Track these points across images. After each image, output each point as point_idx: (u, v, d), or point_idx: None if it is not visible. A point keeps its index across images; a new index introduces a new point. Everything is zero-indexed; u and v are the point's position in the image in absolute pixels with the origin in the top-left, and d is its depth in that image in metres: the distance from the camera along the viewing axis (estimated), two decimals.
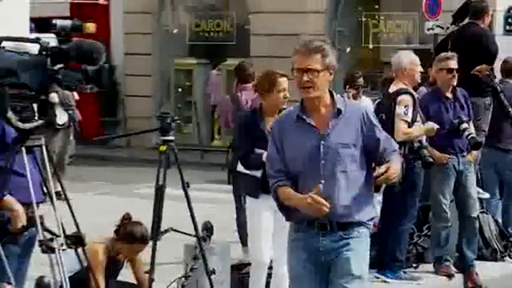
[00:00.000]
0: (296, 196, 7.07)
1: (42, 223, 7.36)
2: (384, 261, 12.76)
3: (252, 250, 10.18)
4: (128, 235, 9.62)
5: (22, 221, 7.22)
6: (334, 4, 27.86)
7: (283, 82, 10.09)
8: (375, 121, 7.44)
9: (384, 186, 12.46)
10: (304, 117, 7.20)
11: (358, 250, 7.33)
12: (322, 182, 6.98)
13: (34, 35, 7.34)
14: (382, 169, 6.99)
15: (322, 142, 7.12)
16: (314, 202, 6.86)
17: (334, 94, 7.37)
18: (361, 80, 16.63)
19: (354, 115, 7.33)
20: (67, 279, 7.29)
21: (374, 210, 7.55)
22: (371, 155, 7.29)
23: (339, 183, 7.13)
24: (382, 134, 7.39)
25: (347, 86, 16.93)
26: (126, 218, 9.76)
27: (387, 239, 12.77)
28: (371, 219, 7.44)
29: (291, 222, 7.42)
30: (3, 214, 7.79)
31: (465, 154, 13.02)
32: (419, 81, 12.89)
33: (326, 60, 7.17)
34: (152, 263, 9.48)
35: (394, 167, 7.03)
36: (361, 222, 7.28)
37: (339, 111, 7.22)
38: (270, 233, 9.92)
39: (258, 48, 27.00)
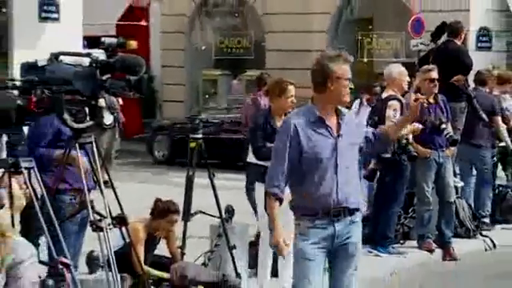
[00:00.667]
0: (277, 226, 7.09)
1: (92, 206, 7.37)
2: (376, 238, 12.78)
3: (262, 227, 10.21)
4: (162, 211, 9.63)
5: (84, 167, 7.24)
6: (335, 25, 27.83)
7: (292, 89, 10.10)
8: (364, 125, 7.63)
9: (378, 175, 12.64)
10: (324, 118, 7.09)
11: (359, 234, 7.37)
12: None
13: (86, 51, 7.35)
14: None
15: (337, 143, 7.06)
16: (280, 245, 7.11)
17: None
18: (377, 89, 16.58)
19: (351, 119, 7.46)
20: (113, 253, 7.30)
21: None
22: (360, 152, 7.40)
23: (348, 176, 7.12)
24: (364, 127, 7.67)
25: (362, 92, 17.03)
26: (158, 200, 9.78)
27: (379, 220, 12.81)
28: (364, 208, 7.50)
29: (302, 210, 7.25)
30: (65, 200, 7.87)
31: (444, 149, 13.04)
32: (406, 88, 12.88)
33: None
34: (183, 240, 9.51)
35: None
36: (359, 208, 7.32)
37: (344, 115, 7.21)
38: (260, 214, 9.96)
39: (272, 61, 26.96)
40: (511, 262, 13.23)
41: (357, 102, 17.05)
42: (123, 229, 7.72)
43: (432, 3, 24.45)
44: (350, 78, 7.08)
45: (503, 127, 14.87)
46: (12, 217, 6.21)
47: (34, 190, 6.30)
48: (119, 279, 7.58)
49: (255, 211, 10.66)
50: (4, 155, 6.32)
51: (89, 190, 7.51)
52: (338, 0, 27.88)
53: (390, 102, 12.31)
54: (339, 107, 7.22)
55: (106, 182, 7.76)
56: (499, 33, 25.94)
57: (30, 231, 6.52)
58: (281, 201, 7.09)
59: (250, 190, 11.25)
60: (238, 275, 9.50)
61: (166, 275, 9.40)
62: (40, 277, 5.02)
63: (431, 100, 12.90)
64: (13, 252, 4.97)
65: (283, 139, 7.21)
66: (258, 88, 15.88)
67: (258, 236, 10.61)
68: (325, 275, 7.31)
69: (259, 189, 9.99)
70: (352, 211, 7.16)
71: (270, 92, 10.51)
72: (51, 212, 6.44)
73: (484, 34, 25.62)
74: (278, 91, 10.15)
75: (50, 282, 6.26)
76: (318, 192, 7.10)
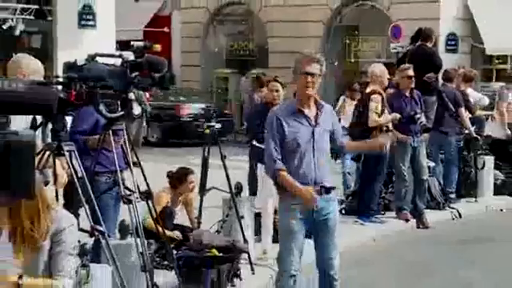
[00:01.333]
0: (296, 186, 7.03)
1: (123, 183, 7.38)
2: (361, 210, 12.80)
3: (262, 202, 10.25)
4: (179, 176, 9.75)
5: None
6: (327, 31, 27.80)
7: (275, 84, 10.26)
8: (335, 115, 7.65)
9: (362, 157, 12.63)
10: (302, 110, 7.15)
11: (336, 208, 7.49)
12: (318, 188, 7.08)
13: (118, 53, 7.32)
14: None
15: (314, 130, 7.11)
16: (311, 196, 6.98)
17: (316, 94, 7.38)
18: (356, 85, 16.50)
19: (328, 110, 7.39)
20: (141, 222, 7.30)
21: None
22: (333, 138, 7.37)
23: (323, 159, 7.19)
24: (338, 126, 7.65)
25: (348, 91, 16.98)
26: (170, 172, 9.84)
27: (364, 195, 12.83)
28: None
29: (283, 187, 7.29)
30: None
31: (418, 135, 13.05)
32: (387, 84, 12.86)
33: (323, 68, 7.22)
34: (200, 211, 9.50)
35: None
36: (334, 186, 7.38)
37: (322, 105, 7.24)
38: (272, 187, 9.93)
39: (274, 62, 26.94)
40: (474, 229, 13.37)
41: (342, 97, 17.04)
42: (149, 202, 7.72)
43: (408, 13, 24.37)
44: (315, 74, 7.09)
45: (466, 117, 14.89)
46: (56, 192, 6.19)
47: (74, 169, 6.29)
48: (146, 244, 7.58)
49: (250, 186, 10.74)
50: (49, 140, 6.30)
51: (121, 171, 7.56)
52: (329, 10, 27.83)
53: (373, 96, 12.31)
54: (318, 100, 7.27)
55: (134, 163, 7.77)
56: (464, 37, 25.92)
57: (71, 204, 6.50)
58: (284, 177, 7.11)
59: (252, 169, 11.29)
60: (245, 241, 9.49)
61: (176, 233, 9.45)
62: (79, 241, 5.01)
63: (407, 94, 12.95)
64: (56, 222, 4.95)
65: (268, 129, 7.29)
66: (255, 86, 16.07)
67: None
68: (305, 244, 7.30)
69: (260, 167, 10.07)
70: (328, 190, 7.19)
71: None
72: (89, 188, 6.44)
73: (451, 39, 25.61)
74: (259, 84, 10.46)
75: (88, 245, 6.27)
76: (299, 172, 7.12)
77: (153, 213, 7.83)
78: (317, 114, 7.17)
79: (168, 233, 9.06)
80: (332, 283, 7.31)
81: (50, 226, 4.87)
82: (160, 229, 8.23)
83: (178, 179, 9.76)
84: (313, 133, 7.10)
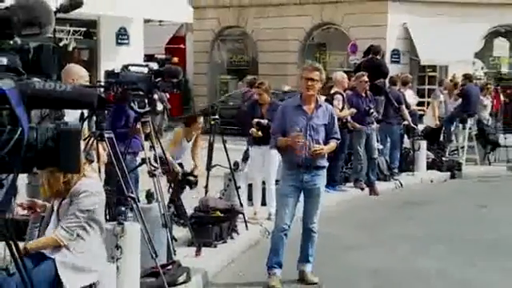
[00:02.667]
0: (287, 139, 7.12)
1: (149, 161, 7.35)
2: (328, 181, 12.76)
3: (253, 176, 10.30)
4: (193, 117, 9.71)
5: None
6: (303, 47, 27.77)
7: (259, 90, 10.20)
8: (335, 116, 7.48)
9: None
10: (301, 106, 7.19)
11: (323, 181, 7.44)
12: (298, 130, 7.08)
13: (145, 63, 7.30)
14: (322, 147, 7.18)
15: (309, 122, 7.13)
16: (293, 139, 7.04)
17: (319, 96, 7.48)
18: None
19: (326, 109, 7.33)
20: (162, 191, 7.28)
21: (325, 159, 7.42)
22: (327, 132, 7.27)
23: (315, 143, 7.11)
24: (335, 124, 7.43)
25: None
26: (182, 118, 9.93)
27: (330, 170, 12.78)
28: (326, 165, 7.43)
29: (285, 164, 7.40)
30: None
31: (371, 125, 13.02)
32: (346, 87, 12.83)
33: (322, 76, 7.33)
34: (207, 183, 9.43)
35: (327, 147, 7.27)
36: (323, 165, 7.33)
37: (320, 105, 7.25)
38: (259, 165, 10.02)
39: (263, 70, 26.88)
40: (411, 196, 13.38)
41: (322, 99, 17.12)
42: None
43: (362, 34, 24.34)
44: (314, 79, 7.12)
45: (406, 111, 14.89)
46: (99, 168, 6.16)
47: (112, 151, 6.25)
48: (166, 207, 7.55)
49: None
50: (94, 129, 6.26)
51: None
52: (304, 32, 27.77)
53: (336, 96, 12.27)
54: (319, 100, 7.35)
55: (160, 147, 7.75)
56: (405, 52, 25.92)
57: (110, 178, 6.47)
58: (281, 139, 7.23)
59: (247, 151, 11.27)
60: (241, 205, 9.47)
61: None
62: (91, 209, 4.91)
63: (363, 94, 12.92)
64: (80, 185, 4.90)
65: (276, 116, 7.51)
66: (249, 87, 16.17)
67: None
68: (295, 206, 7.31)
69: (251, 150, 10.32)
70: (317, 167, 7.19)
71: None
72: (124, 166, 6.39)
73: (395, 54, 25.61)
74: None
75: (122, 208, 6.22)
76: (293, 152, 7.13)
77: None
78: (313, 110, 7.17)
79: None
80: (311, 234, 7.34)
81: (76, 185, 4.84)
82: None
83: (191, 119, 9.71)
84: (307, 123, 7.09)
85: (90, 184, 4.94)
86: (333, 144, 7.36)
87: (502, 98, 20.03)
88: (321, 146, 7.12)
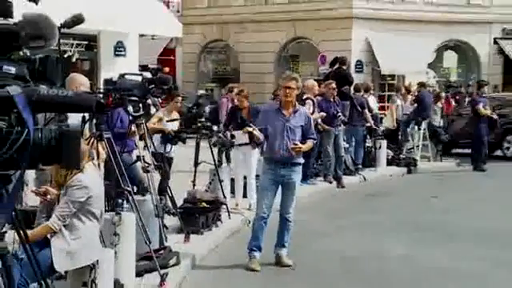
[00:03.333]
0: (256, 133, 7.23)
1: (143, 159, 7.31)
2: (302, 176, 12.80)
3: (235, 171, 10.32)
4: (172, 96, 9.67)
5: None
6: (278, 58, 27.81)
7: (240, 98, 10.35)
8: (310, 119, 7.53)
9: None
10: (280, 110, 7.22)
11: (298, 176, 7.42)
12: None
13: (139, 72, 7.28)
14: (300, 145, 7.19)
15: (287, 124, 7.15)
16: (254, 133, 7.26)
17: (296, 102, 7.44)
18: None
19: (302, 113, 7.35)
20: (154, 185, 7.24)
21: (301, 157, 7.43)
22: (304, 133, 7.26)
23: (291, 143, 7.12)
24: (311, 126, 7.45)
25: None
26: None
27: (303, 166, 12.76)
28: (302, 162, 7.44)
29: (266, 160, 7.39)
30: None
31: (338, 127, 13.04)
32: (316, 93, 12.82)
33: (299, 84, 7.38)
34: (194, 178, 9.40)
35: (305, 146, 7.27)
36: (299, 162, 7.33)
37: (297, 110, 7.27)
38: (240, 161, 10.10)
39: (243, 79, 26.78)
40: (373, 188, 13.40)
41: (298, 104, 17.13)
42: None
43: (330, 47, 24.36)
44: (291, 88, 7.16)
45: (368, 115, 14.94)
46: (98, 165, 6.11)
47: (110, 150, 6.20)
48: (158, 199, 7.51)
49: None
50: (94, 130, 6.21)
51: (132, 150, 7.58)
52: (279, 45, 27.80)
53: (307, 101, 12.20)
54: (296, 105, 7.34)
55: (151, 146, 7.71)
56: (367, 63, 26.00)
57: (109, 173, 6.42)
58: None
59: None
60: (224, 197, 9.46)
61: None
62: (82, 201, 4.93)
63: (331, 99, 12.92)
64: (75, 179, 4.92)
65: (259, 118, 7.58)
66: (227, 93, 16.23)
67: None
68: (274, 197, 7.33)
69: (233, 151, 10.32)
70: (293, 163, 7.22)
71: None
72: (120, 162, 6.35)
73: (359, 64, 25.68)
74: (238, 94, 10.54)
75: (120, 200, 6.19)
76: (272, 149, 7.18)
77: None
78: (291, 113, 7.18)
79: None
80: (287, 223, 7.33)
81: (71, 179, 4.86)
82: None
83: (170, 96, 9.66)
84: (284, 125, 7.12)
85: (84, 178, 4.93)
86: (310, 143, 7.37)
87: (452, 103, 20.23)
88: (299, 144, 7.12)
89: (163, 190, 8.55)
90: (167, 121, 9.33)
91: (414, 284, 6.97)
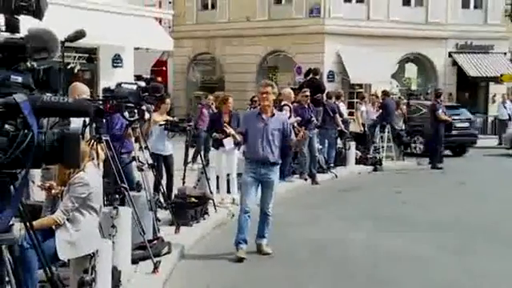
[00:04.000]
0: (235, 134, 7.23)
1: (138, 159, 7.28)
2: (279, 173, 12.76)
3: (220, 170, 10.23)
4: (162, 99, 9.16)
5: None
6: (259, 69, 27.69)
7: (231, 100, 10.15)
8: (288, 124, 7.46)
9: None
10: (260, 114, 7.18)
11: (276, 175, 7.39)
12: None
13: (135, 82, 7.22)
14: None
15: (266, 127, 7.11)
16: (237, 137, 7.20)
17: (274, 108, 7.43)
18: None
19: (280, 117, 7.39)
20: (148, 182, 7.21)
21: (279, 158, 7.36)
22: (283, 136, 7.24)
23: (270, 145, 7.11)
24: (289, 129, 7.40)
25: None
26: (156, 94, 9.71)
27: (281, 165, 12.76)
28: (280, 162, 7.40)
29: (247, 160, 7.33)
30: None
31: (312, 130, 13.03)
32: (293, 100, 12.83)
33: (274, 89, 7.35)
34: (184, 176, 9.37)
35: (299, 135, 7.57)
36: (277, 162, 7.29)
37: (274, 114, 7.26)
38: (223, 160, 10.03)
39: (228, 87, 26.71)
40: (344, 184, 13.40)
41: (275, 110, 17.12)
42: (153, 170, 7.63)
43: (305, 59, 24.40)
44: (268, 93, 7.17)
45: (339, 119, 14.98)
46: (98, 164, 6.07)
47: (109, 150, 6.17)
48: (152, 195, 7.49)
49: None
50: (94, 132, 6.17)
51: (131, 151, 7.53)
52: (260, 57, 27.79)
53: (284, 107, 12.25)
54: (274, 110, 7.32)
55: (145, 147, 7.68)
56: (338, 73, 26.06)
57: (107, 173, 6.38)
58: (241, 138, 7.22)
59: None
60: (211, 192, 9.44)
61: None
62: (84, 197, 4.93)
63: (306, 106, 12.94)
64: (77, 177, 4.92)
65: (241, 125, 7.56)
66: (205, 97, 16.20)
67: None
68: (256, 193, 7.29)
69: (216, 152, 10.21)
70: (272, 163, 7.17)
71: (219, 102, 10.75)
72: (118, 162, 6.32)
73: (331, 74, 25.72)
74: (223, 101, 10.26)
75: (116, 196, 6.16)
76: (253, 150, 7.16)
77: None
78: (269, 117, 7.15)
79: None
80: (267, 217, 7.30)
81: (74, 177, 4.86)
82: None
83: (161, 101, 9.52)
84: (263, 129, 7.09)
85: (84, 176, 4.93)
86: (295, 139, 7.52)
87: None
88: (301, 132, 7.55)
89: (157, 187, 8.53)
90: (160, 124, 9.27)
91: (372, 265, 7.04)
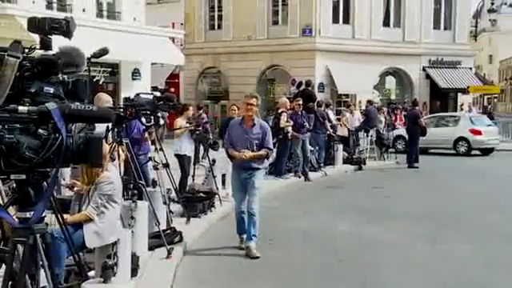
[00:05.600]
0: (234, 152, 6.61)
1: (154, 159, 7.27)
2: (276, 172, 12.74)
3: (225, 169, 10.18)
4: (185, 106, 9.68)
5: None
6: (258, 81, 27.58)
7: (234, 108, 10.21)
8: (268, 132, 6.75)
9: (277, 144, 12.51)
10: (242, 123, 6.71)
11: (258, 178, 6.71)
12: (245, 151, 6.59)
13: (151, 92, 7.22)
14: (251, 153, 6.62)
15: (246, 135, 6.63)
16: (239, 156, 6.59)
17: (256, 116, 6.79)
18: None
19: (261, 126, 6.71)
20: (163, 180, 7.20)
21: (264, 163, 6.83)
22: (262, 143, 6.66)
23: (250, 151, 6.61)
24: (267, 137, 6.71)
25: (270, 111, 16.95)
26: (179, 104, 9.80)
27: (277, 164, 12.78)
28: (263, 167, 6.91)
29: (233, 166, 6.99)
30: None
31: (305, 134, 13.02)
32: (288, 107, 12.81)
33: (258, 101, 6.75)
34: (193, 173, 9.35)
35: (253, 154, 6.62)
36: (259, 167, 6.71)
37: (255, 124, 6.67)
38: (228, 160, 9.67)
39: (232, 97, 26.65)
40: (333, 181, 13.33)
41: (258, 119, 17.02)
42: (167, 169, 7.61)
43: (299, 73, 24.39)
44: (252, 104, 6.61)
45: (328, 125, 14.95)
46: (119, 165, 6.07)
47: (129, 152, 6.17)
48: (166, 191, 7.48)
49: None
50: (115, 136, 6.16)
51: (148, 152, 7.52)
52: (259, 71, 27.72)
53: (282, 113, 12.24)
54: (255, 120, 6.70)
55: (160, 149, 7.66)
56: (327, 85, 25.95)
57: (127, 170, 6.37)
58: (230, 150, 6.70)
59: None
60: (217, 188, 9.42)
61: None
62: (110, 193, 4.94)
63: (299, 112, 12.92)
64: (102, 177, 4.96)
65: (227, 133, 6.92)
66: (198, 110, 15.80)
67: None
68: (245, 195, 6.78)
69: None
70: (253, 168, 6.66)
71: (229, 109, 10.77)
72: (136, 163, 6.31)
73: (321, 86, 25.63)
74: (229, 109, 10.40)
75: (135, 191, 6.15)
76: (236, 159, 6.72)
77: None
78: (250, 127, 6.64)
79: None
80: (252, 217, 6.69)
81: (100, 176, 4.87)
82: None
83: (184, 108, 9.54)
84: (245, 137, 6.63)
85: (110, 176, 4.97)
86: (262, 152, 6.67)
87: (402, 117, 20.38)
88: (249, 154, 6.58)
89: (183, 185, 8.56)
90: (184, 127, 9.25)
91: (356, 251, 7.05)
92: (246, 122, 6.69)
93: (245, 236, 6.81)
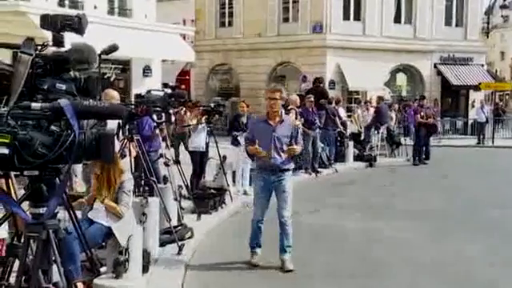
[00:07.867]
0: (256, 148, 5.88)
1: (165, 156, 7.29)
2: None
3: (236, 166, 10.22)
4: (194, 103, 9.87)
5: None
6: (269, 78, 27.43)
7: (243, 104, 10.28)
8: (297, 128, 6.20)
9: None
10: (268, 120, 6.06)
11: (289, 181, 6.09)
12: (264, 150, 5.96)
13: (162, 89, 7.22)
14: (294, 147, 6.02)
15: (273, 133, 5.99)
16: (257, 151, 5.95)
17: (283, 111, 6.29)
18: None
19: (289, 123, 6.16)
20: (173, 176, 7.22)
21: (292, 163, 6.18)
22: (292, 141, 6.05)
23: (279, 152, 5.96)
24: (298, 134, 6.16)
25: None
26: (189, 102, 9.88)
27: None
28: (292, 167, 6.21)
29: (256, 167, 6.25)
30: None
31: (316, 130, 13.01)
32: (298, 104, 12.76)
33: (283, 94, 6.15)
34: (204, 171, 9.35)
35: (297, 149, 6.03)
36: (288, 169, 6.09)
37: (283, 120, 6.11)
38: (238, 157, 9.92)
39: (243, 94, 26.63)
40: (343, 178, 13.31)
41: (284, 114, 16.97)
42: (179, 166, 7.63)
43: (310, 69, 24.36)
44: (275, 98, 6.01)
45: (339, 121, 14.92)
46: (130, 161, 6.09)
47: (140, 149, 6.19)
48: (177, 187, 7.50)
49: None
50: (126, 133, 6.18)
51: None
52: (270, 67, 27.67)
53: (291, 110, 12.12)
54: (282, 116, 6.13)
55: (171, 145, 7.67)
56: (338, 82, 25.86)
57: (138, 167, 6.39)
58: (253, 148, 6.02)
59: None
60: (228, 185, 9.43)
61: None
62: (132, 189, 5.10)
63: (310, 110, 12.89)
64: (123, 178, 5.06)
65: (248, 129, 6.68)
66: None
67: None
68: (268, 201, 6.18)
69: (236, 147, 10.00)
70: (282, 170, 6.03)
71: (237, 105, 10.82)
72: (147, 159, 6.33)
73: (332, 83, 25.56)
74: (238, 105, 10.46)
75: (147, 187, 6.17)
76: (260, 159, 6.07)
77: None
78: (277, 124, 6.04)
79: None
80: (284, 227, 6.06)
81: (121, 178, 4.94)
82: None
83: (193, 105, 9.58)
84: (272, 134, 5.98)
85: (128, 173, 5.15)
86: (298, 147, 6.09)
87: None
88: (294, 147, 6.02)
89: (194, 182, 8.60)
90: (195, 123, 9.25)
91: (364, 247, 7.06)
92: (273, 119, 6.07)
93: (258, 250, 6.24)
